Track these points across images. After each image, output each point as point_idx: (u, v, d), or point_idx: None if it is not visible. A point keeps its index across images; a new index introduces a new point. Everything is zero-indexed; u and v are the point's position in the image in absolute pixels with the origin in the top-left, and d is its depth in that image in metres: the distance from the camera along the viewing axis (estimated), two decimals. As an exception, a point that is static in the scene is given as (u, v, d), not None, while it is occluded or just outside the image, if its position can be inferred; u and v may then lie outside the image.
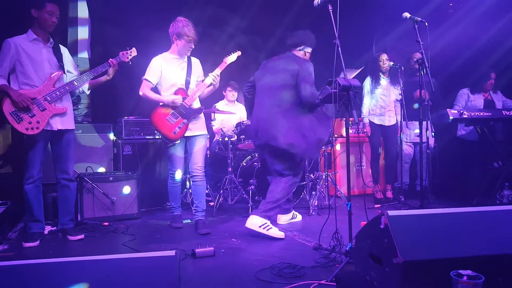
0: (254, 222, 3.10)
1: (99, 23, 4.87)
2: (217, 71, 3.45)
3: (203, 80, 3.50)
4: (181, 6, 4.68)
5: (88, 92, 3.37)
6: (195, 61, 3.58)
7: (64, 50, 3.27)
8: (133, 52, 3.37)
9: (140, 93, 3.42)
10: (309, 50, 3.35)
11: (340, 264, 2.36)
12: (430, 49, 3.25)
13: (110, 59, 3.23)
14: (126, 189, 3.93)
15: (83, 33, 4.83)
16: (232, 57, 3.58)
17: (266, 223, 3.09)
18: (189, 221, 3.74)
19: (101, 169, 4.27)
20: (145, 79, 3.42)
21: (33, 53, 3.04)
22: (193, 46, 3.43)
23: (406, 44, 4.72)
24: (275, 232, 3.09)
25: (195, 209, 3.53)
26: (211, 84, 3.44)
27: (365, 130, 4.63)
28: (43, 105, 3.00)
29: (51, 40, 3.15)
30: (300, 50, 3.31)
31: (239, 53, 3.61)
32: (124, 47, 3.35)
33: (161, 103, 3.38)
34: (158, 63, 3.41)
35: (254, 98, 3.39)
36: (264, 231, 3.06)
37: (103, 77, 3.28)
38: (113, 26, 4.80)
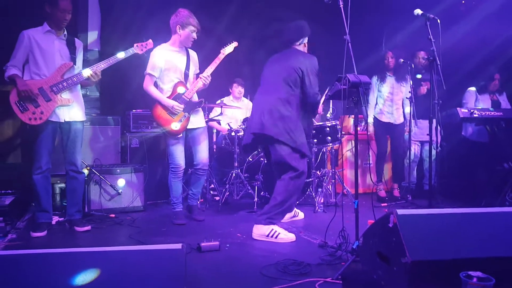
0: (261, 232, 3.00)
1: (110, 13, 4.87)
2: (208, 71, 3.40)
3: (198, 74, 3.49)
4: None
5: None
6: (192, 54, 3.57)
7: (78, 44, 3.28)
8: (149, 44, 3.32)
9: (144, 88, 3.39)
10: (306, 40, 3.25)
11: (346, 262, 2.35)
12: (441, 46, 3.21)
13: (93, 69, 3.10)
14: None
15: (93, 24, 4.83)
16: (228, 48, 3.52)
17: (272, 229, 2.98)
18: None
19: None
20: (148, 74, 3.37)
21: (45, 44, 3.07)
22: (195, 37, 3.42)
23: (416, 41, 4.66)
24: (284, 236, 2.97)
25: (191, 196, 3.60)
26: (205, 84, 3.44)
27: (369, 129, 4.53)
28: (49, 95, 3.01)
29: (65, 32, 3.17)
30: (300, 44, 3.21)
31: (235, 43, 3.55)
32: (137, 37, 3.30)
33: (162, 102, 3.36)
34: (159, 55, 3.36)
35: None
36: (273, 239, 2.95)
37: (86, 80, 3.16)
38: (124, 16, 4.80)
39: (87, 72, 3.10)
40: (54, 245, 2.87)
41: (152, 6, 4.87)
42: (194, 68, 3.54)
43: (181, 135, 3.41)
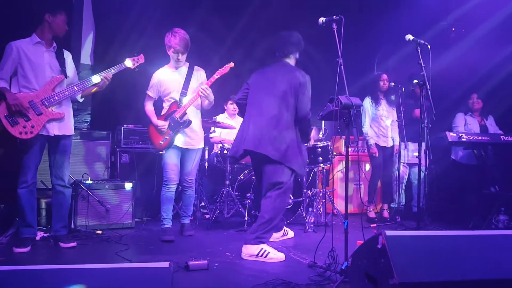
0: (250, 252, 2.95)
1: (104, 28, 4.91)
2: (205, 85, 3.43)
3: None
4: (187, 17, 4.73)
5: (81, 100, 3.31)
6: (197, 72, 3.60)
7: (67, 55, 3.25)
8: (141, 59, 3.34)
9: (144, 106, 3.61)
10: (297, 54, 3.24)
11: (335, 283, 2.32)
12: (431, 72, 3.29)
13: (105, 73, 3.14)
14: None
15: (86, 39, 4.86)
16: (224, 69, 3.54)
17: (262, 249, 2.94)
18: None
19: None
20: (147, 94, 3.58)
21: (34, 57, 3.02)
22: (180, 58, 3.44)
23: (407, 65, 4.77)
24: (274, 255, 2.94)
25: (182, 214, 3.75)
26: (203, 96, 3.45)
27: (372, 152, 4.53)
28: (40, 109, 2.97)
29: (54, 44, 3.15)
30: (292, 57, 3.20)
31: (232, 64, 3.57)
32: (130, 53, 3.33)
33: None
34: (156, 77, 3.54)
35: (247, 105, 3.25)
36: (263, 259, 2.91)
37: (93, 87, 3.19)
38: (118, 32, 4.84)
39: (96, 79, 3.11)
40: (37, 261, 2.79)
41: (146, 22, 4.92)
42: (196, 86, 3.54)
43: (163, 151, 3.50)
